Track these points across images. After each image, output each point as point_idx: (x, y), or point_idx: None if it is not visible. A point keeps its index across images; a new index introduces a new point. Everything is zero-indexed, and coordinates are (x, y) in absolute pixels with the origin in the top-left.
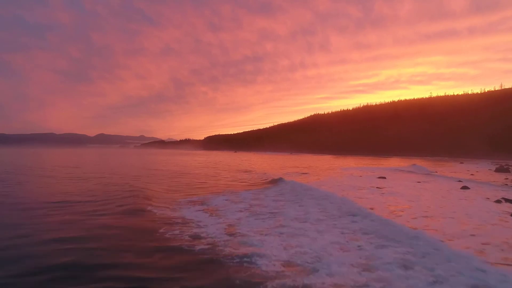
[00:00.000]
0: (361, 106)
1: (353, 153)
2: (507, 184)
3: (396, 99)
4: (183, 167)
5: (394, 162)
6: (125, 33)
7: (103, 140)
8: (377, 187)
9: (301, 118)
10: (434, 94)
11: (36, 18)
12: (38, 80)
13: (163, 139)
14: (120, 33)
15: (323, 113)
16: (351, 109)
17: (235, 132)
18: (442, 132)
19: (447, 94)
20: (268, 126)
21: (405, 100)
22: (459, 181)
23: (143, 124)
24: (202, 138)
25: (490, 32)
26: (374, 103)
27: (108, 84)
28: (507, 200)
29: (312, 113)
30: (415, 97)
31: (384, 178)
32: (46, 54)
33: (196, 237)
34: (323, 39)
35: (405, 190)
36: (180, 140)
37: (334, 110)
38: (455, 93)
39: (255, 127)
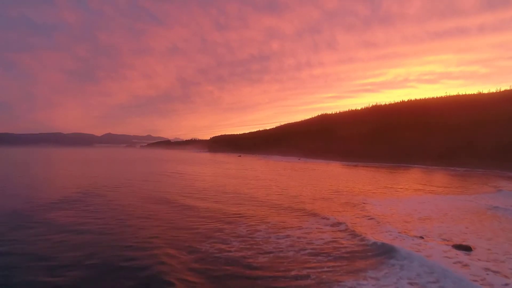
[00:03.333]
0: (370, 106)
1: (365, 159)
2: None
3: (405, 98)
4: (198, 195)
5: (420, 175)
6: (131, 32)
7: (110, 139)
8: None
9: (308, 118)
10: (448, 93)
11: (43, 18)
12: (46, 80)
13: (169, 138)
14: (127, 32)
15: (331, 113)
16: (359, 109)
17: (241, 132)
18: (464, 137)
19: (464, 93)
20: (274, 126)
21: (418, 100)
22: None
23: (150, 123)
24: (208, 138)
25: (501, 29)
26: (383, 103)
27: (115, 83)
28: None
29: (320, 113)
30: (427, 97)
31: (469, 251)
32: (53, 54)
33: None
34: (330, 38)
35: None
36: (186, 140)
37: (341, 109)
38: (467, 92)
39: (261, 127)
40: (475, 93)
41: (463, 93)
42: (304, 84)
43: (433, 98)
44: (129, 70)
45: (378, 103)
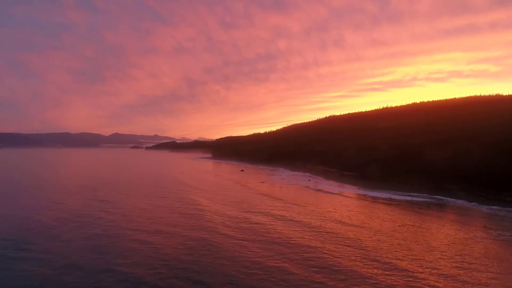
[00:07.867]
0: (381, 108)
1: (385, 186)
2: None
3: (415, 97)
4: None
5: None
6: (137, 32)
7: (117, 139)
8: None
9: (315, 119)
10: (467, 95)
11: (49, 18)
12: (53, 79)
13: (176, 138)
14: (133, 32)
15: (339, 114)
16: (369, 110)
17: (247, 133)
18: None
19: (480, 94)
20: (281, 127)
21: (432, 102)
22: None
23: (157, 123)
24: (214, 138)
25: None
26: (394, 105)
27: (122, 83)
28: None
29: (328, 114)
30: (439, 98)
31: None
32: (60, 54)
33: None
34: (337, 36)
35: None
36: (191, 142)
37: (350, 109)
38: (482, 93)
39: (268, 127)
40: (493, 94)
41: (479, 94)
42: (311, 83)
43: (446, 99)
44: (135, 69)
45: (389, 105)
